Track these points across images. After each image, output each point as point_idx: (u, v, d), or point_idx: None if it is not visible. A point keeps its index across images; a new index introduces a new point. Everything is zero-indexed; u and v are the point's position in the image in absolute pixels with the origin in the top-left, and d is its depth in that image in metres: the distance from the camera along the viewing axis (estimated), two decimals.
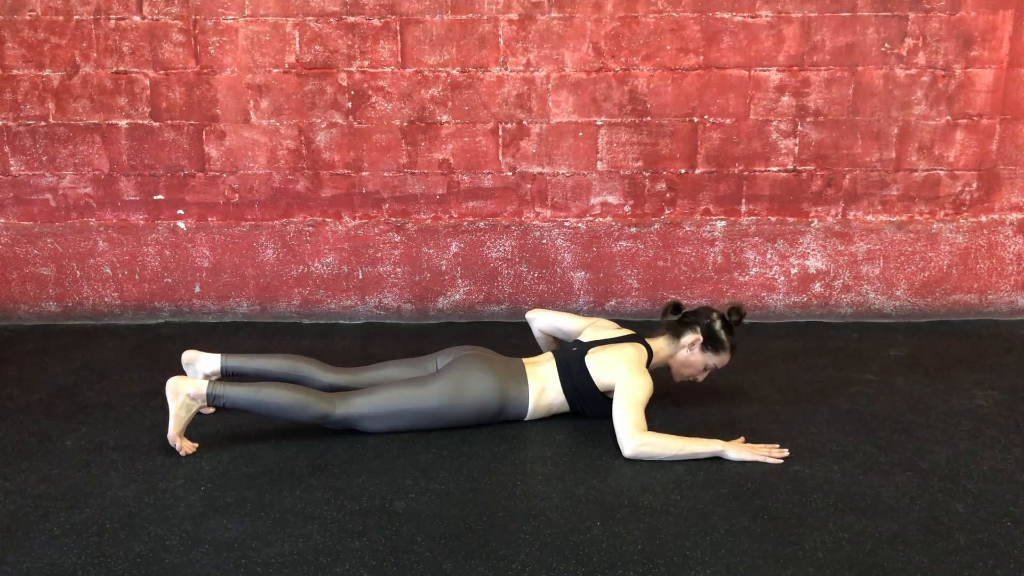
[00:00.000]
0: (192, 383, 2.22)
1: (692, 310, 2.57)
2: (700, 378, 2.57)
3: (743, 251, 3.49)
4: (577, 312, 3.44)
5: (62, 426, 2.48)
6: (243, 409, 2.28)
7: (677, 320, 2.54)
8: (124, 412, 2.58)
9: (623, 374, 2.34)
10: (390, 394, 2.35)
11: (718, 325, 2.50)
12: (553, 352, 2.53)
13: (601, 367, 2.40)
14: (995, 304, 3.56)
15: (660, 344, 2.53)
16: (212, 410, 2.51)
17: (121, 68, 3.31)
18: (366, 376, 2.50)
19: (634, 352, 2.42)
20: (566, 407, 2.48)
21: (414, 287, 3.53)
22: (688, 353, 2.50)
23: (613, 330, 2.57)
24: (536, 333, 2.75)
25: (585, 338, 2.54)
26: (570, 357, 2.46)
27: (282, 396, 2.26)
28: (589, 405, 2.45)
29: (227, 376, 2.49)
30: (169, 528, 1.92)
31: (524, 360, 2.51)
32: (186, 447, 2.27)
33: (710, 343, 2.49)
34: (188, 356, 2.51)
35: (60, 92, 3.32)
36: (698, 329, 2.49)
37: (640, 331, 2.58)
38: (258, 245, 3.48)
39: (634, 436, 2.22)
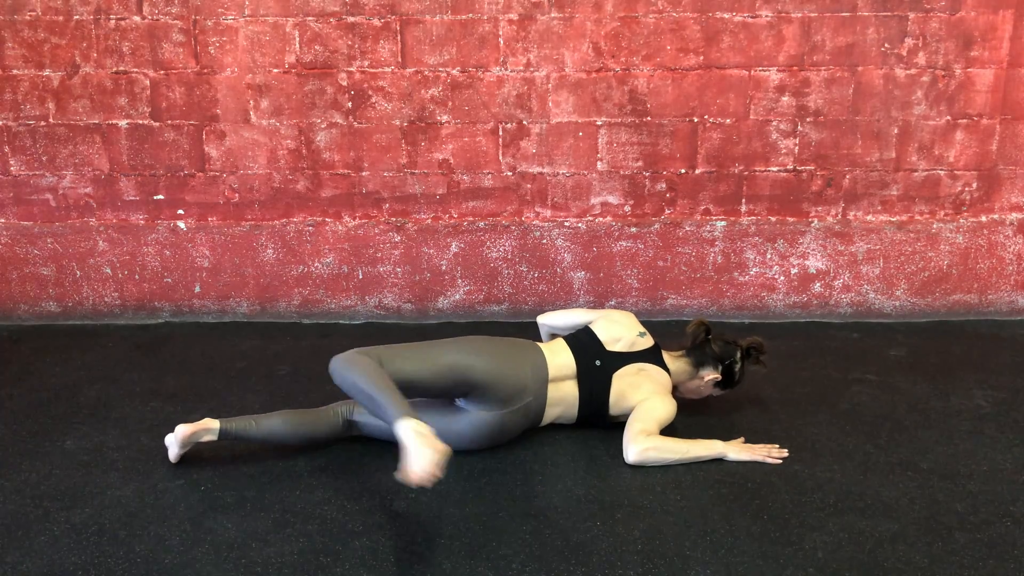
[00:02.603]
0: (206, 432, 2.17)
1: (716, 339, 2.49)
2: (697, 399, 2.58)
3: (743, 251, 3.49)
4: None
5: (62, 426, 2.48)
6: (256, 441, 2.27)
7: (702, 346, 2.48)
8: (124, 412, 2.58)
9: (649, 394, 2.31)
10: None
11: (738, 367, 2.46)
12: (576, 360, 2.36)
13: (623, 398, 2.34)
14: (995, 304, 3.56)
15: (678, 366, 2.47)
16: None
17: (121, 68, 3.31)
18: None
19: (663, 379, 2.38)
20: (572, 422, 2.45)
21: (414, 287, 3.53)
22: (701, 385, 2.49)
23: (636, 333, 2.45)
24: (544, 335, 2.72)
25: (606, 341, 2.40)
26: (594, 381, 2.35)
27: (296, 433, 2.26)
28: (596, 422, 2.43)
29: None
30: (169, 528, 1.92)
31: (549, 373, 2.33)
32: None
33: (724, 383, 2.48)
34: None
35: (60, 92, 3.32)
36: (719, 368, 2.45)
37: (652, 332, 2.53)
38: (258, 245, 3.48)
39: (638, 441, 2.20)
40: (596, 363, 2.36)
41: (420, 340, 3.23)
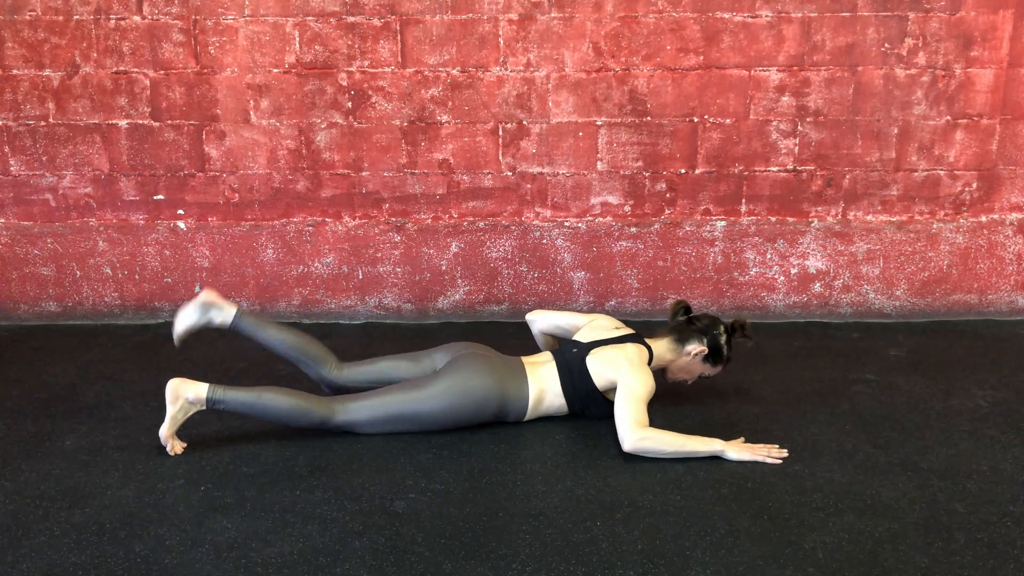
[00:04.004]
0: (193, 388, 2.21)
1: (699, 317, 2.55)
2: (689, 382, 2.59)
3: (743, 251, 3.49)
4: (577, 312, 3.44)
5: (62, 426, 2.48)
6: (242, 414, 2.29)
7: (685, 324, 2.53)
8: (124, 412, 2.58)
9: (625, 371, 2.33)
10: (389, 399, 2.34)
11: (723, 340, 2.49)
12: (553, 352, 2.51)
13: (603, 366, 2.39)
14: (995, 304, 3.56)
15: (662, 346, 2.51)
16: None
17: (121, 68, 3.31)
18: (364, 372, 2.50)
19: (636, 351, 2.42)
20: (565, 410, 2.47)
21: (414, 287, 3.53)
22: (689, 360, 2.50)
23: (612, 329, 2.54)
24: (536, 334, 2.75)
25: (584, 338, 2.51)
26: (570, 358, 2.44)
27: (282, 403, 2.26)
28: (589, 406, 2.44)
29: (235, 333, 2.48)
30: (169, 528, 1.92)
31: (524, 359, 2.49)
32: (176, 447, 2.27)
33: (712, 356, 2.49)
34: (207, 297, 2.44)
35: (60, 92, 3.32)
36: (704, 340, 2.48)
37: (640, 330, 2.57)
38: (258, 245, 3.48)
39: (634, 430, 2.22)
40: (573, 350, 2.46)
41: (420, 340, 3.24)
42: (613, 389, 2.39)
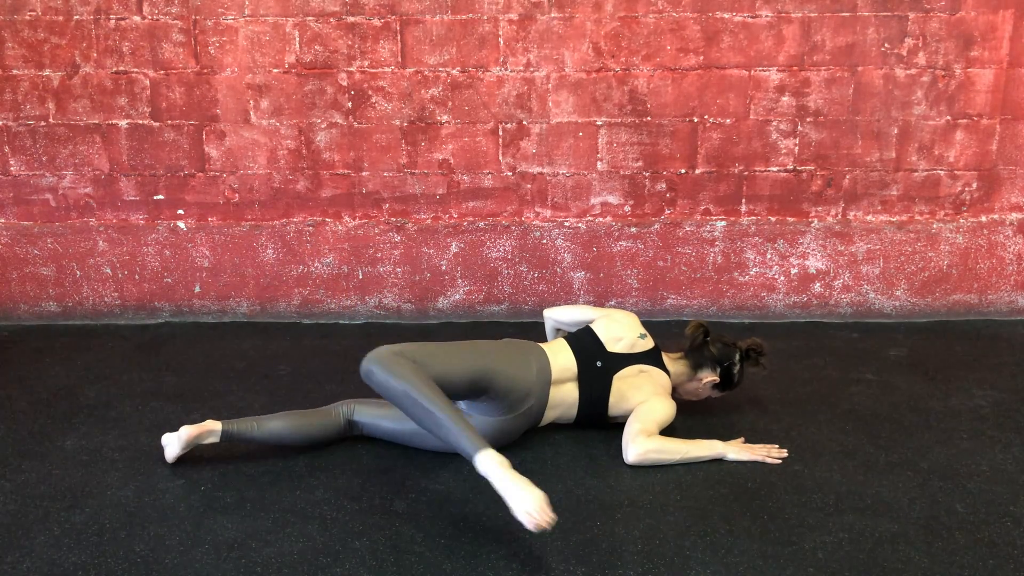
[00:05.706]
0: (209, 434, 2.19)
1: (715, 341, 2.48)
2: (694, 400, 2.58)
3: (743, 251, 3.49)
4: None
5: (62, 426, 2.48)
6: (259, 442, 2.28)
7: (701, 349, 2.48)
8: (124, 412, 2.58)
9: (649, 396, 2.31)
10: (411, 431, 2.30)
11: (736, 369, 2.45)
12: (577, 361, 2.36)
13: (623, 396, 2.34)
14: (995, 304, 3.56)
15: (677, 368, 2.47)
16: None
17: (121, 68, 3.31)
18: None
19: (663, 380, 2.39)
20: (570, 423, 2.46)
21: (414, 287, 3.53)
22: (699, 386, 2.48)
23: (637, 336, 2.44)
24: (549, 331, 2.72)
25: (606, 341, 2.40)
26: (595, 383, 2.35)
27: (297, 434, 2.27)
28: (589, 424, 2.43)
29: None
30: (169, 528, 1.92)
31: (552, 375, 2.32)
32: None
33: (723, 385, 2.48)
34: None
35: (60, 92, 3.32)
36: (717, 371, 2.45)
37: (651, 332, 2.53)
38: (258, 245, 3.48)
39: (638, 442, 2.20)
40: (597, 364, 2.37)
41: (421, 340, 3.24)
42: (621, 415, 2.37)
